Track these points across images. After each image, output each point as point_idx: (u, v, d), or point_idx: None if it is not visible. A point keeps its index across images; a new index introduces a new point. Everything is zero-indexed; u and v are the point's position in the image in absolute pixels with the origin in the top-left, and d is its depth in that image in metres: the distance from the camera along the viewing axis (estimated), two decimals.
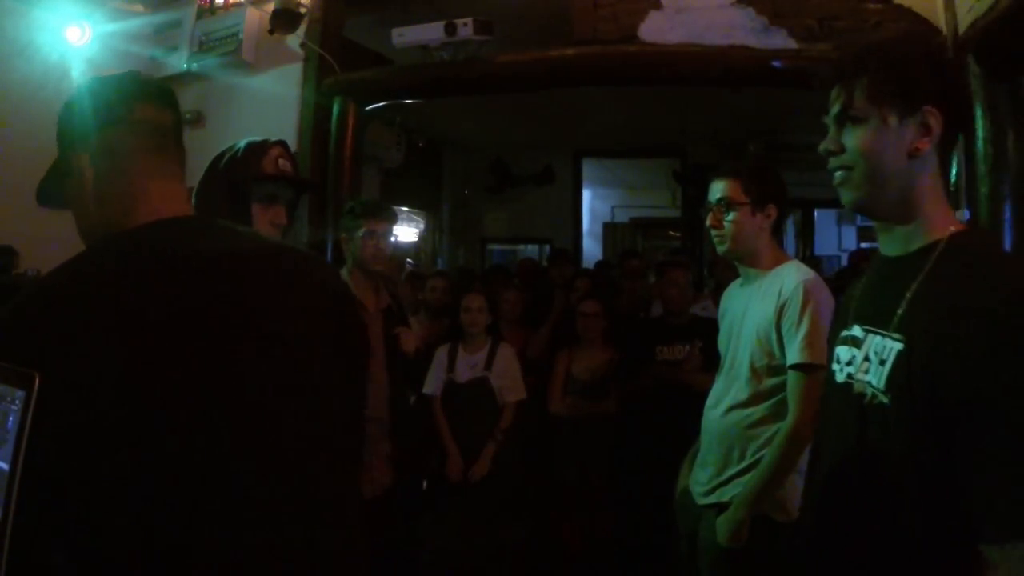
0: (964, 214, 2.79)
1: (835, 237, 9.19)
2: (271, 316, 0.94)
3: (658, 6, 3.27)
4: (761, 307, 1.93)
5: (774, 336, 1.87)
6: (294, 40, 3.77)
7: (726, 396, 2.00)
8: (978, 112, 2.75)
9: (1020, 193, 2.71)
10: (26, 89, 3.71)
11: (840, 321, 1.24)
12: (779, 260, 2.01)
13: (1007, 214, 2.71)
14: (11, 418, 0.67)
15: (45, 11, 3.80)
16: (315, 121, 3.75)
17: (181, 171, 1.09)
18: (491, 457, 3.17)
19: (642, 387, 3.29)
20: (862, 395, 1.08)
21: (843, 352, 1.18)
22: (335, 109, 3.78)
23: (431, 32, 3.41)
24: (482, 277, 5.21)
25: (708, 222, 2.02)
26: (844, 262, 7.86)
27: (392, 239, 2.80)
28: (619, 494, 3.38)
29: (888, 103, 1.07)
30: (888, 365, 1.03)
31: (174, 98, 1.12)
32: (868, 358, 1.09)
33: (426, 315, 3.93)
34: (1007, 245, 2.70)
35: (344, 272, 2.72)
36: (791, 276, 1.90)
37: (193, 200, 1.74)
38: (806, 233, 8.51)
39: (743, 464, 1.91)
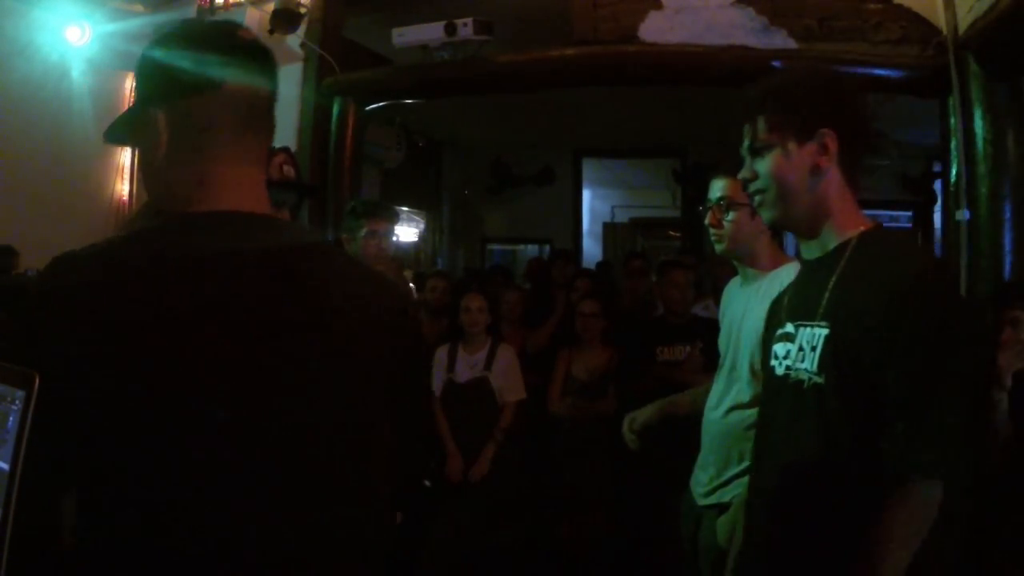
0: (964, 214, 2.79)
1: None
2: (301, 326, 0.83)
3: (658, 6, 3.27)
4: (760, 308, 1.92)
5: None
6: (294, 40, 3.77)
7: (727, 397, 2.00)
8: (978, 112, 2.75)
9: (1020, 193, 2.71)
10: (26, 89, 3.71)
11: (774, 322, 1.39)
12: (779, 261, 2.00)
13: (1007, 214, 2.71)
14: (11, 418, 0.67)
15: (45, 11, 3.81)
16: (315, 121, 3.75)
17: (264, 153, 0.97)
18: (491, 457, 3.17)
19: (643, 388, 3.28)
20: (800, 382, 1.22)
21: (779, 349, 1.32)
22: (335, 109, 3.78)
23: (431, 32, 3.41)
24: (482, 277, 5.22)
25: (707, 220, 2.02)
26: None
27: (394, 239, 2.81)
28: (619, 494, 3.38)
29: (786, 132, 1.25)
30: (818, 350, 1.19)
31: (274, 64, 0.99)
32: (801, 348, 1.24)
33: (426, 315, 3.93)
34: (1007, 245, 2.71)
35: None
36: (790, 277, 1.90)
37: None
38: None
39: (743, 465, 1.91)
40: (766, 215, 1.31)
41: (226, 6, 4.10)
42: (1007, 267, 2.70)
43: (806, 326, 1.24)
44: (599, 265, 6.64)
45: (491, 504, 3.17)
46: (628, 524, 3.35)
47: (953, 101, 2.84)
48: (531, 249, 8.45)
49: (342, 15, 3.98)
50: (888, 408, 1.09)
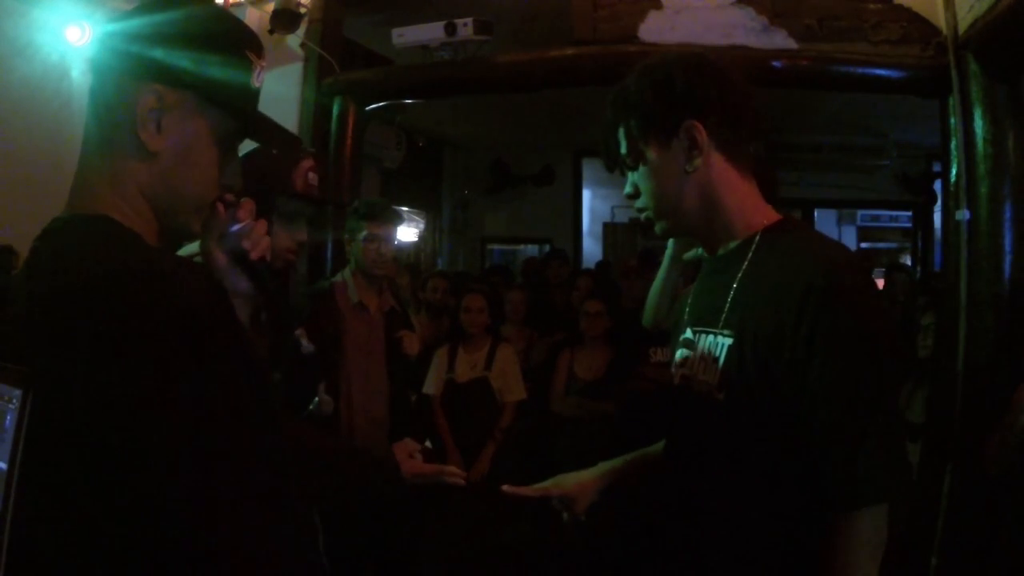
0: (964, 214, 2.79)
1: (835, 237, 9.19)
2: None
3: (658, 6, 3.27)
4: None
5: None
6: (294, 40, 3.77)
7: None
8: (978, 112, 2.75)
9: (1020, 193, 2.71)
10: (26, 89, 3.71)
11: (678, 327, 1.27)
12: None
13: (1007, 214, 2.71)
14: (9, 417, 0.67)
15: (45, 11, 3.80)
16: (315, 121, 3.75)
17: None
18: (491, 457, 3.17)
19: (635, 389, 3.28)
20: (700, 394, 1.11)
21: (679, 355, 1.21)
22: (335, 109, 3.78)
23: (431, 32, 3.40)
24: (476, 278, 5.22)
25: None
26: None
27: (395, 242, 2.78)
28: (620, 494, 3.38)
29: (645, 137, 1.12)
30: (720, 361, 1.07)
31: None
32: (703, 358, 1.12)
33: (426, 315, 3.93)
34: (1007, 245, 2.70)
35: (347, 273, 2.72)
36: None
37: None
38: None
39: None
40: (659, 229, 1.19)
41: (226, 6, 4.10)
42: (1007, 267, 2.70)
43: (708, 333, 1.12)
44: (598, 265, 6.65)
45: (491, 504, 3.17)
46: (630, 524, 3.35)
47: (953, 101, 2.84)
48: (531, 249, 8.45)
49: (342, 15, 3.98)
50: (817, 429, 0.96)
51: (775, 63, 3.11)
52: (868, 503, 0.95)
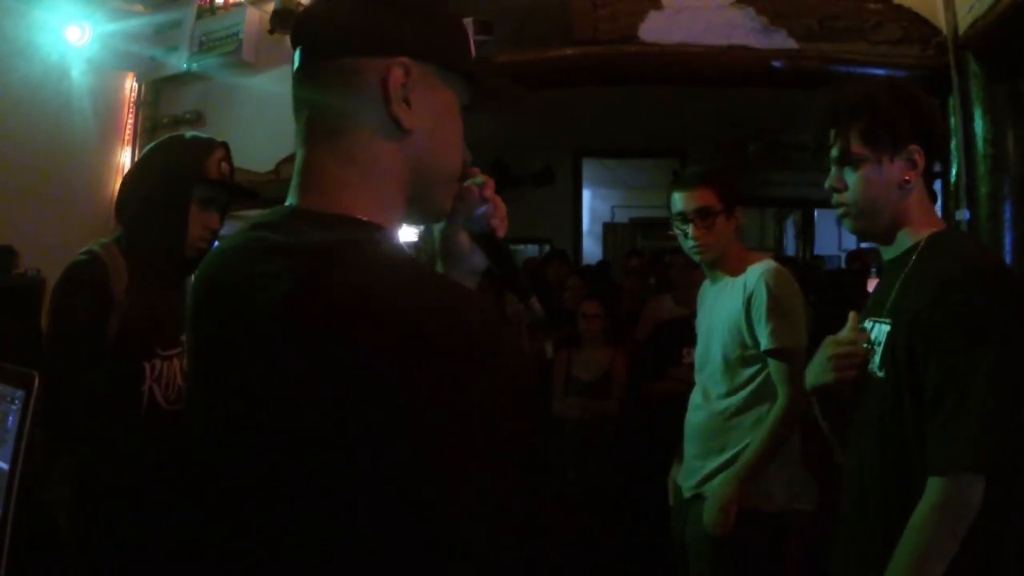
0: (964, 214, 2.79)
1: (835, 237, 9.17)
2: None
3: (658, 6, 3.27)
4: (730, 301, 1.98)
5: (744, 327, 1.92)
6: None
7: (708, 392, 2.05)
8: (978, 112, 2.76)
9: (1020, 193, 2.71)
10: (26, 89, 3.71)
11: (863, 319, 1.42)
12: (746, 259, 2.03)
13: (1007, 214, 2.72)
14: (11, 418, 0.67)
15: (45, 11, 3.81)
16: None
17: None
18: None
19: (665, 390, 3.25)
20: (871, 375, 1.26)
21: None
22: None
23: None
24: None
25: (690, 234, 2.00)
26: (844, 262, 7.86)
27: None
28: (622, 494, 3.38)
29: (880, 146, 1.26)
30: (882, 346, 1.24)
31: None
32: (873, 344, 1.27)
33: None
34: (1007, 245, 2.71)
35: None
36: (755, 269, 1.96)
37: (123, 188, 1.70)
38: (806, 233, 8.50)
39: (725, 456, 1.95)
40: (850, 225, 1.34)
41: (226, 6, 4.10)
42: None
43: (877, 322, 1.29)
44: (598, 265, 6.65)
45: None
46: (631, 524, 3.35)
47: (953, 101, 2.84)
48: (531, 249, 8.45)
49: None
50: (927, 402, 1.11)
51: (775, 63, 3.11)
52: (951, 471, 1.06)
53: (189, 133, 1.75)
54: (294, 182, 0.76)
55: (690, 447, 2.07)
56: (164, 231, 1.59)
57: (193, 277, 0.82)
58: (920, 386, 1.13)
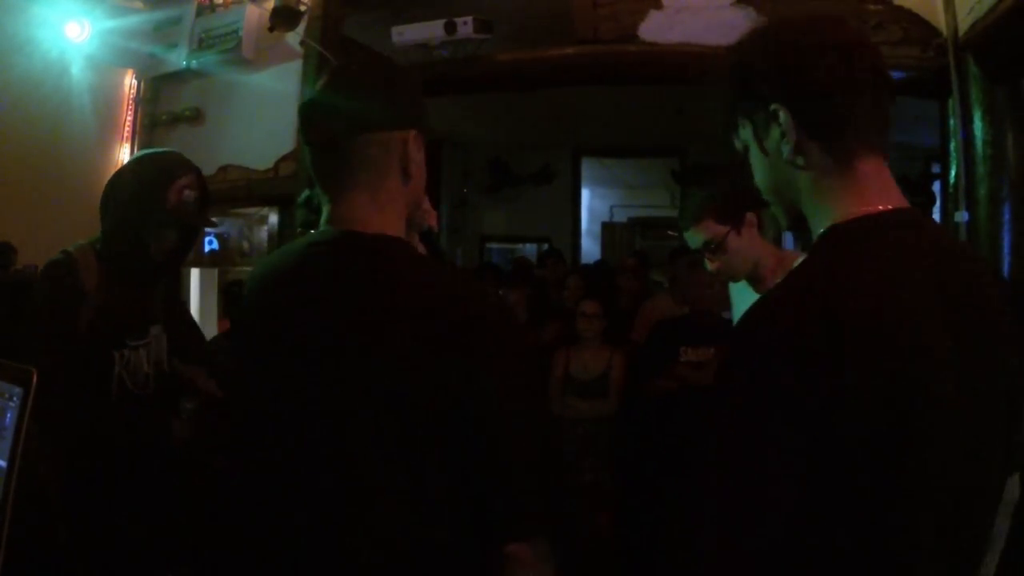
0: (963, 215, 2.79)
1: None
2: None
3: (658, 6, 3.27)
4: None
5: None
6: (294, 38, 3.77)
7: None
8: (978, 114, 2.76)
9: (1020, 194, 2.71)
10: (25, 85, 3.71)
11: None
12: (782, 258, 2.01)
13: (1006, 216, 2.72)
14: (9, 414, 0.67)
15: (44, 7, 3.80)
16: None
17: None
18: None
19: (663, 387, 3.25)
20: None
21: None
22: None
23: (431, 30, 3.40)
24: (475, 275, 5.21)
25: (710, 268, 2.03)
26: None
27: None
28: (621, 493, 3.38)
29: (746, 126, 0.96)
30: None
31: None
32: None
33: None
34: (1006, 247, 2.71)
35: None
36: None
37: (103, 195, 1.81)
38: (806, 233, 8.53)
39: None
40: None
41: (226, 3, 4.09)
42: (1006, 269, 2.70)
43: None
44: (597, 264, 6.65)
45: None
46: (631, 523, 3.35)
47: (953, 103, 2.84)
48: (530, 248, 8.45)
49: (342, 13, 3.97)
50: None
51: None
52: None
53: (164, 150, 1.90)
54: (335, 215, 1.10)
55: None
56: (131, 245, 1.76)
57: (250, 286, 1.18)
58: None
